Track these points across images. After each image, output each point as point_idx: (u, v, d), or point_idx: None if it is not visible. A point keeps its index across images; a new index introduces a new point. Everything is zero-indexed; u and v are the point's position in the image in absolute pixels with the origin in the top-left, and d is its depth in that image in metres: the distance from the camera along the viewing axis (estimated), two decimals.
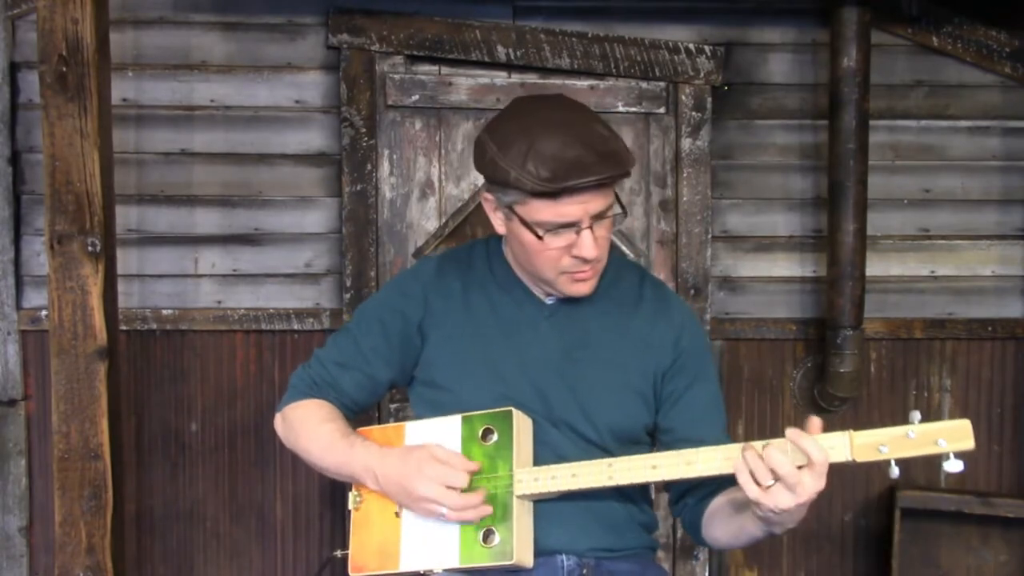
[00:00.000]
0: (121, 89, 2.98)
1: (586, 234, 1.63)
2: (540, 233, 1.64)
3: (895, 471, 1.48)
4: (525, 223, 1.65)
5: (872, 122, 2.99)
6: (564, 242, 1.65)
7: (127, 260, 3.00)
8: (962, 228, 3.19)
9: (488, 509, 1.66)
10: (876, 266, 3.12)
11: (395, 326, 1.81)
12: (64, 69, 2.31)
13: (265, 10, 3.05)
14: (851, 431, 1.49)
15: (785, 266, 3.17)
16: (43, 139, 2.33)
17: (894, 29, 3.10)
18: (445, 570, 1.67)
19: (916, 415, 1.47)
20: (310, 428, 1.81)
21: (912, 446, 1.46)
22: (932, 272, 3.19)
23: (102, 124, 2.37)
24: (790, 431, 1.49)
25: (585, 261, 1.66)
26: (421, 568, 1.69)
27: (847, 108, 2.93)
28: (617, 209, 1.67)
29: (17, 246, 3.03)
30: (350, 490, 1.81)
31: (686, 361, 1.80)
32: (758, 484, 1.48)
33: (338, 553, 1.84)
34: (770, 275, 3.17)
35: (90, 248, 2.35)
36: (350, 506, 1.79)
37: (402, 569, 1.71)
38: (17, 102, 3.01)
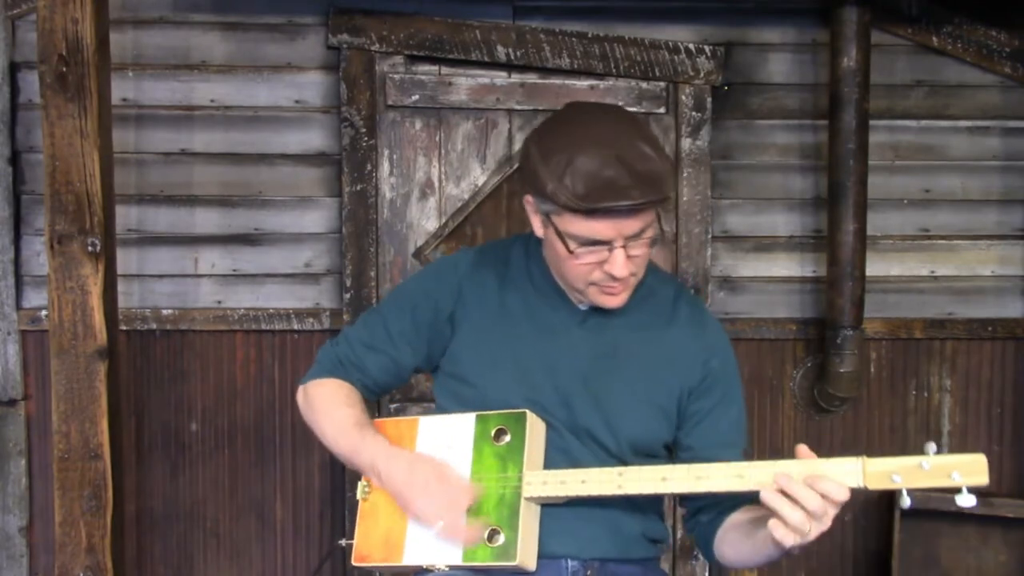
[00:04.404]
0: (121, 89, 2.97)
1: (618, 253, 1.61)
2: (572, 247, 1.62)
3: (907, 501, 1.46)
4: (559, 233, 1.63)
5: (872, 122, 2.99)
6: (596, 258, 1.63)
7: (127, 260, 3.00)
8: (962, 228, 3.19)
9: (481, 537, 1.65)
10: (876, 266, 3.12)
11: (426, 314, 1.80)
12: (64, 69, 2.31)
13: (265, 10, 3.05)
14: (864, 457, 1.46)
15: (785, 266, 3.17)
16: (43, 139, 2.33)
17: (894, 29, 3.10)
18: (448, 567, 1.67)
19: (931, 446, 1.44)
20: (328, 409, 1.80)
21: (926, 477, 1.43)
22: (932, 272, 3.19)
23: (102, 124, 2.37)
24: (808, 476, 1.46)
25: (615, 278, 1.64)
26: (424, 563, 1.68)
27: (847, 108, 2.93)
28: (655, 229, 1.64)
29: (17, 246, 3.03)
30: (359, 480, 1.81)
31: (714, 382, 1.78)
32: (790, 527, 1.46)
33: (343, 542, 1.84)
34: (770, 275, 3.17)
35: (90, 248, 2.34)
36: (358, 496, 1.79)
37: (405, 563, 1.71)
38: (17, 102, 3.01)
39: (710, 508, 1.75)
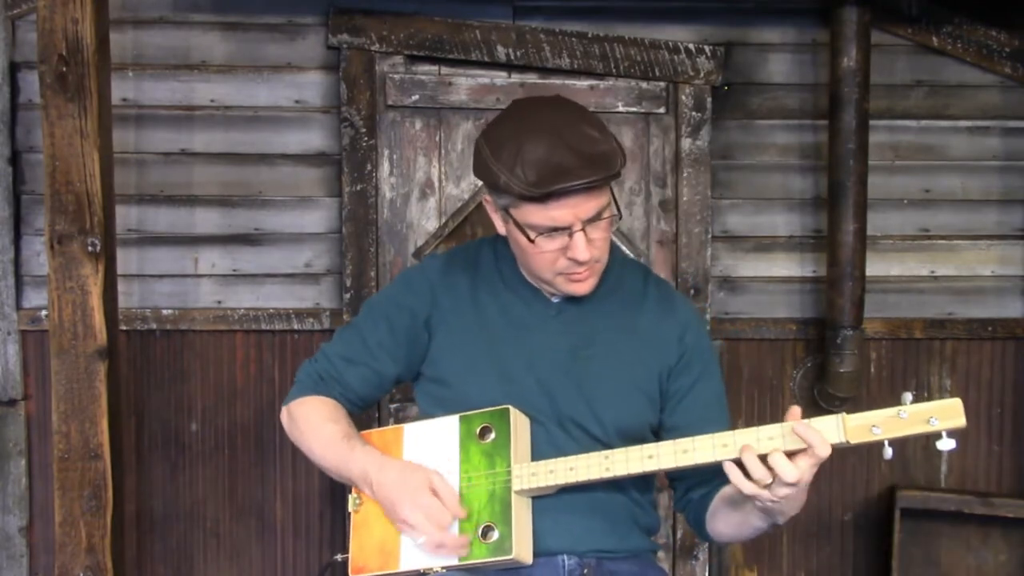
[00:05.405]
0: (121, 89, 2.97)
1: (579, 237, 1.64)
2: (532, 236, 1.65)
3: (888, 452, 1.50)
4: (519, 225, 1.66)
5: (872, 122, 2.99)
6: (558, 244, 1.66)
7: (127, 260, 3.00)
8: (962, 228, 3.19)
9: (466, 545, 1.65)
10: (876, 266, 3.12)
11: (402, 322, 1.82)
12: (64, 69, 2.31)
13: (265, 10, 3.05)
14: (844, 413, 1.52)
15: (785, 266, 3.17)
16: (43, 139, 2.34)
17: (894, 29, 3.10)
18: (445, 568, 1.67)
19: (908, 396, 1.49)
20: (313, 426, 1.81)
21: (904, 426, 1.48)
22: (932, 272, 3.19)
23: (102, 124, 2.37)
24: (796, 426, 1.51)
25: (579, 263, 1.67)
26: (421, 567, 1.69)
27: (847, 108, 2.93)
28: (612, 211, 1.67)
29: (17, 246, 3.03)
30: (350, 492, 1.81)
31: (691, 358, 1.81)
32: (752, 480, 1.51)
33: (338, 557, 1.84)
34: (770, 275, 3.17)
35: (90, 248, 2.35)
36: (350, 508, 1.80)
37: (402, 568, 1.71)
38: (17, 102, 3.01)
39: (700, 485, 1.79)
